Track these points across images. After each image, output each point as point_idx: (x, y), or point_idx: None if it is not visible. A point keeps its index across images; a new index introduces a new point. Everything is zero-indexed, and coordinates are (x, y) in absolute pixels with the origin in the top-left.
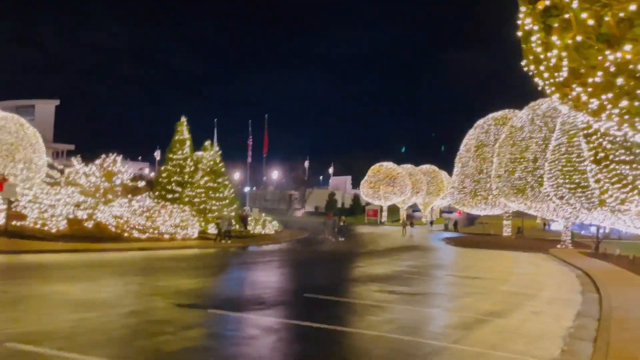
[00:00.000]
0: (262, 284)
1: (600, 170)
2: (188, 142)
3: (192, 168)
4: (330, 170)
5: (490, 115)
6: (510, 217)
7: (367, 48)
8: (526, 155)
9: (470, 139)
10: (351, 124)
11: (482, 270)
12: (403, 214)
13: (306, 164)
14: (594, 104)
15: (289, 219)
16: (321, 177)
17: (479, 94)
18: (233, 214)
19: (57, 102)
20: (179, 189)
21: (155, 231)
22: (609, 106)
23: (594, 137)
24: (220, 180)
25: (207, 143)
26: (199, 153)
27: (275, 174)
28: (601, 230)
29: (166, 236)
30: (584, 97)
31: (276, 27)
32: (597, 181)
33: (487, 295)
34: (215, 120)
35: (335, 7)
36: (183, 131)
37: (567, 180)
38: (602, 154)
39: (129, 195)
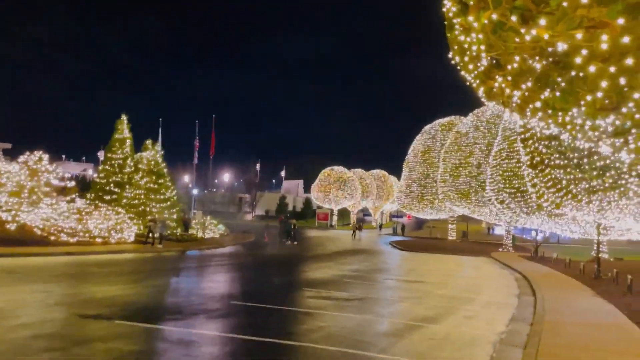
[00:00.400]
0: (188, 291)
1: (536, 174)
2: (129, 142)
3: (133, 168)
4: (282, 173)
5: (437, 121)
6: (456, 221)
7: (319, 52)
8: (470, 161)
9: (417, 144)
10: (303, 128)
11: (424, 274)
12: (353, 218)
13: (257, 166)
14: (516, 96)
15: (238, 222)
16: (274, 181)
17: (430, 99)
18: (175, 216)
19: None
20: (118, 190)
21: (87, 234)
22: (533, 99)
23: (530, 141)
24: (161, 181)
25: (148, 142)
26: (143, 153)
27: (226, 177)
28: (541, 235)
29: (98, 240)
30: (507, 91)
31: (228, 27)
32: (534, 185)
33: (424, 299)
34: (160, 119)
35: (289, 11)
36: (123, 129)
37: (507, 185)
38: (537, 159)
39: (57, 196)
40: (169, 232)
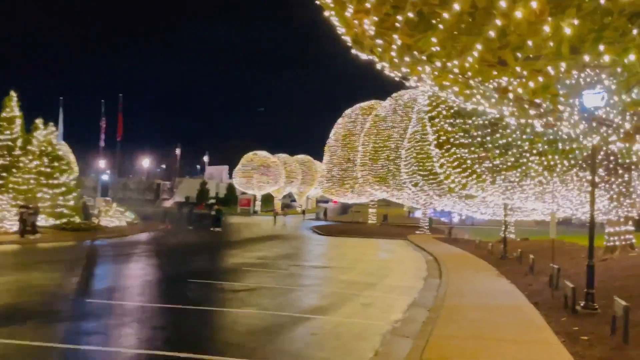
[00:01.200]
0: (31, 289)
1: (443, 154)
2: (18, 121)
3: (24, 151)
4: (205, 158)
5: (358, 105)
6: (376, 205)
7: (244, 36)
8: (388, 145)
9: (338, 127)
10: (229, 114)
11: (333, 259)
12: (277, 204)
13: (177, 151)
14: (380, 43)
15: (155, 210)
16: (198, 167)
17: (358, 85)
18: (72, 203)
19: None
20: (5, 175)
21: None
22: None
23: (437, 119)
24: (56, 164)
25: (38, 121)
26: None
27: (145, 162)
28: (456, 217)
29: None
30: (370, 32)
31: (152, 8)
32: (441, 166)
33: (323, 286)
34: (61, 98)
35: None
36: (13, 107)
37: (420, 168)
38: (443, 137)
39: None
40: (64, 220)
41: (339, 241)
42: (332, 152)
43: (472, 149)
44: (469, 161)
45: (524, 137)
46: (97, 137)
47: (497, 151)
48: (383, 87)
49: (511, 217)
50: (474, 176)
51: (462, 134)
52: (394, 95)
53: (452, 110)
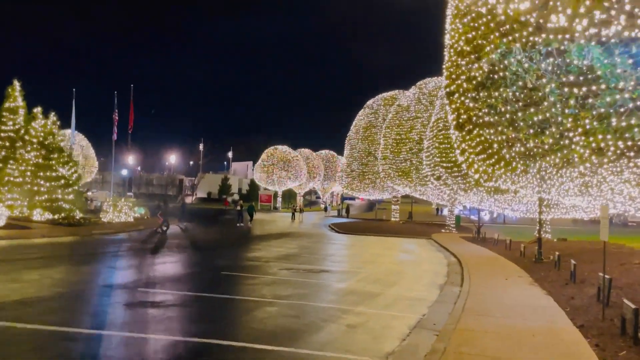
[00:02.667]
0: None
1: (464, 137)
2: (22, 111)
3: (24, 142)
4: (230, 154)
5: (380, 96)
6: (399, 201)
7: (271, 33)
8: (411, 136)
9: (359, 120)
10: (254, 109)
11: (340, 261)
12: (299, 200)
13: (201, 146)
14: None
15: (176, 205)
16: (225, 163)
17: (375, 83)
18: (71, 197)
19: None
20: (1, 166)
21: None
22: None
23: (456, 95)
24: (55, 156)
25: (37, 110)
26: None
27: (172, 158)
28: (487, 215)
29: None
30: None
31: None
32: (462, 152)
33: (308, 299)
34: (74, 90)
35: None
36: (16, 97)
37: (443, 159)
38: (464, 116)
39: None
40: (62, 215)
41: (355, 240)
42: (353, 145)
43: (500, 128)
44: (495, 145)
45: (567, 111)
46: (122, 132)
47: (531, 130)
48: (412, 80)
49: (547, 214)
50: (502, 163)
51: (487, 110)
52: (419, 83)
53: (474, 82)
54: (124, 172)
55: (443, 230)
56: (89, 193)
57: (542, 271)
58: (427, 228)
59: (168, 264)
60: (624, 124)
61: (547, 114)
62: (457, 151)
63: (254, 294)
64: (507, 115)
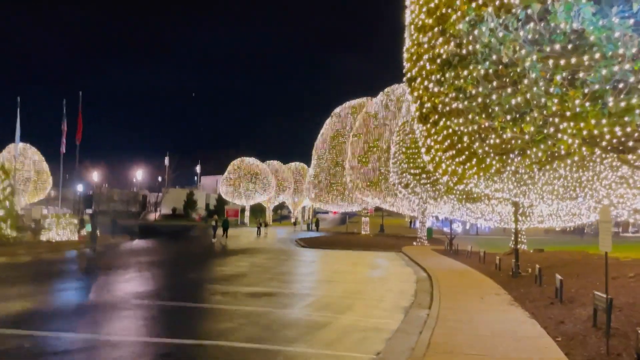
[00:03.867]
0: None
1: (428, 130)
2: None
3: None
4: (198, 168)
5: (347, 103)
6: (369, 214)
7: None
8: (379, 144)
9: (326, 128)
10: (223, 123)
11: (293, 280)
12: (268, 215)
13: (166, 161)
14: None
15: (138, 222)
16: (196, 178)
17: (347, 92)
18: (1, 213)
19: None
20: None
21: None
22: None
23: (419, 79)
24: None
25: None
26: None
27: (139, 174)
28: (460, 226)
29: None
30: None
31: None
32: (428, 150)
33: (232, 336)
34: (18, 98)
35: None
36: None
37: (411, 165)
38: (428, 105)
39: None
40: None
41: (319, 254)
42: (320, 155)
43: (471, 117)
44: (465, 138)
45: (551, 90)
46: (89, 148)
47: (508, 117)
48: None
49: (522, 223)
50: (474, 161)
51: (454, 94)
52: (386, 89)
53: (439, 61)
54: (79, 187)
55: (415, 243)
56: (24, 209)
57: (521, 287)
58: (399, 241)
59: (66, 292)
60: (622, 104)
61: (528, 95)
62: (423, 150)
63: (156, 332)
64: (479, 100)
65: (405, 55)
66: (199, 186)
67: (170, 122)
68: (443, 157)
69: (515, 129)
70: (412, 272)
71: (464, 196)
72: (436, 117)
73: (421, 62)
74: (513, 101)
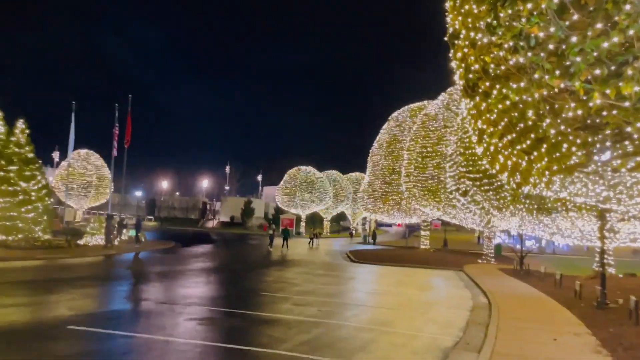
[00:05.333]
0: None
1: (478, 107)
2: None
3: None
4: (259, 178)
5: (406, 107)
6: (429, 226)
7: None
8: (439, 149)
9: (382, 134)
10: (287, 134)
11: (314, 302)
12: (326, 225)
13: (227, 169)
14: None
15: (195, 229)
16: (261, 188)
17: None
18: (32, 215)
19: None
20: None
21: None
22: None
23: (462, 33)
24: (13, 168)
25: (20, 123)
26: None
27: (204, 182)
28: (534, 243)
29: None
30: None
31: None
32: (480, 137)
33: None
34: (74, 103)
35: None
36: None
37: (470, 168)
38: (476, 66)
39: None
40: (19, 235)
41: (363, 270)
42: (375, 162)
43: (537, 76)
44: (530, 112)
45: None
46: (156, 155)
47: (597, 72)
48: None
49: (610, 242)
50: (544, 148)
51: (512, 43)
52: (449, 89)
53: (487, 1)
54: (138, 193)
55: (479, 261)
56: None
57: (610, 324)
58: (462, 258)
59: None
60: None
61: (630, 32)
62: (474, 138)
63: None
64: (550, 47)
65: (449, 4)
66: (261, 195)
67: (237, 134)
68: (500, 144)
69: (607, 92)
70: (469, 295)
71: (535, 205)
72: (487, 84)
73: (467, 6)
74: (605, 45)
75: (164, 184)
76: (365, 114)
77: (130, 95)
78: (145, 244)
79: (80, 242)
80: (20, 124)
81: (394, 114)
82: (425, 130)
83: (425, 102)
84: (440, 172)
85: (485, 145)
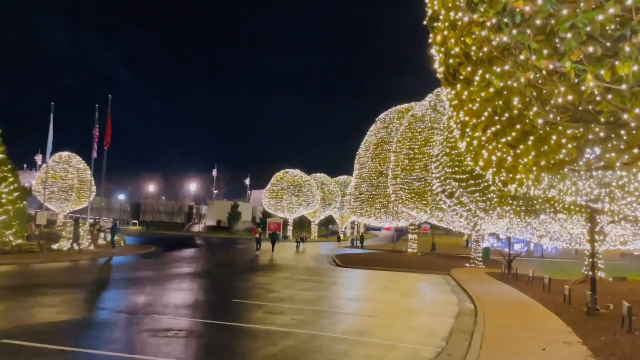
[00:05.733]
0: None
1: (459, 97)
2: None
3: None
4: (247, 181)
5: (393, 108)
6: (416, 230)
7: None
8: (426, 150)
9: (369, 135)
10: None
11: (289, 310)
12: (313, 229)
13: (214, 172)
14: None
15: (182, 234)
16: (249, 192)
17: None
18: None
19: None
20: None
21: None
22: None
23: (442, 14)
24: None
25: None
26: None
27: (192, 186)
28: (522, 247)
29: None
30: None
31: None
32: (462, 132)
33: None
34: (52, 103)
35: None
36: None
37: (456, 168)
38: (456, 49)
39: None
40: None
41: (348, 275)
42: (362, 164)
43: (522, 58)
44: (515, 99)
45: None
46: (143, 159)
47: (590, 49)
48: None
49: (600, 244)
50: (530, 140)
51: (495, 20)
52: (436, 90)
53: None
54: (121, 196)
55: (467, 265)
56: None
57: (601, 331)
58: (450, 261)
59: None
60: None
61: (628, 1)
62: (456, 133)
63: None
64: (537, 23)
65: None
66: (249, 199)
67: (226, 137)
68: (483, 138)
69: (602, 73)
70: (454, 301)
71: (522, 207)
72: (469, 69)
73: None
74: (599, 18)
75: (150, 187)
76: (355, 117)
77: (110, 96)
78: (124, 248)
79: (55, 246)
80: None
81: (381, 116)
82: (412, 131)
83: (413, 103)
84: (427, 174)
85: (468, 139)
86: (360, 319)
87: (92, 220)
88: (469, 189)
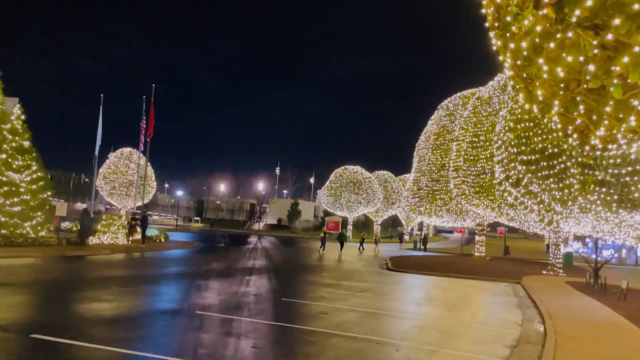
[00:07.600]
0: None
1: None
2: None
3: None
4: (312, 180)
5: (458, 94)
6: (484, 231)
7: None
8: (493, 138)
9: (431, 124)
10: (343, 138)
11: (280, 337)
12: (376, 230)
13: (277, 171)
14: None
15: (240, 232)
16: (319, 191)
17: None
18: (17, 209)
19: None
20: None
21: None
22: None
23: None
24: (2, 157)
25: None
26: None
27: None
28: (612, 253)
29: None
30: None
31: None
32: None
33: None
34: (102, 96)
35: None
36: None
37: (522, 148)
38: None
39: None
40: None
41: (392, 280)
42: (421, 156)
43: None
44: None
45: None
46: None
47: None
48: None
49: None
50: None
51: None
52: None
53: None
54: (179, 193)
55: (544, 272)
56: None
57: None
58: (523, 267)
59: None
60: None
61: None
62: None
63: None
64: None
65: None
66: (315, 197)
67: (294, 137)
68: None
69: None
70: (518, 320)
71: (614, 196)
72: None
73: None
74: None
75: (218, 186)
76: (423, 116)
77: (153, 85)
78: (160, 244)
79: (91, 241)
80: (16, 109)
81: (444, 102)
82: (477, 116)
83: (480, 88)
84: (494, 165)
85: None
86: (366, 347)
87: (132, 215)
88: (539, 174)
